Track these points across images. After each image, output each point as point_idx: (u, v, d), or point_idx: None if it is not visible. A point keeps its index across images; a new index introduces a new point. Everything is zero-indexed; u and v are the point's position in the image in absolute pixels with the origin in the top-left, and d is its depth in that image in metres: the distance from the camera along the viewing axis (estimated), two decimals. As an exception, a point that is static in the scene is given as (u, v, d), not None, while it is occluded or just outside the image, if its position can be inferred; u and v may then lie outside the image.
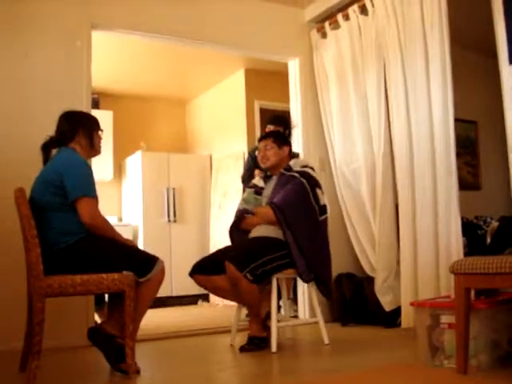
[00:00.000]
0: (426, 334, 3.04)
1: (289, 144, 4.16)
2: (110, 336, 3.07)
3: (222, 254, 3.82)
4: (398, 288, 4.46)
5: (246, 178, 5.29)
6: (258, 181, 4.28)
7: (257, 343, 3.70)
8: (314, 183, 3.89)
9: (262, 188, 4.16)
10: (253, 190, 4.19)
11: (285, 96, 5.67)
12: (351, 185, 5.04)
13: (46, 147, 3.29)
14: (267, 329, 3.74)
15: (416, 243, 4.31)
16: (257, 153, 4.19)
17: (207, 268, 3.80)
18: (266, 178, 4.21)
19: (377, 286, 4.62)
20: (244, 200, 4.19)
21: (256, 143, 5.32)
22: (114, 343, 3.03)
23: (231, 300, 4.09)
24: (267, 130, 5.24)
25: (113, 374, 3.09)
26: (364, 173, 4.90)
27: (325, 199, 3.94)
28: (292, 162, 4.03)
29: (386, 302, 4.54)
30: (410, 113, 4.43)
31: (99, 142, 3.37)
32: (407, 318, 4.22)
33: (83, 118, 3.37)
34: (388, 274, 4.63)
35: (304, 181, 3.85)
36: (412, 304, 3.24)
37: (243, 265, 3.51)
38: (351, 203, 5.01)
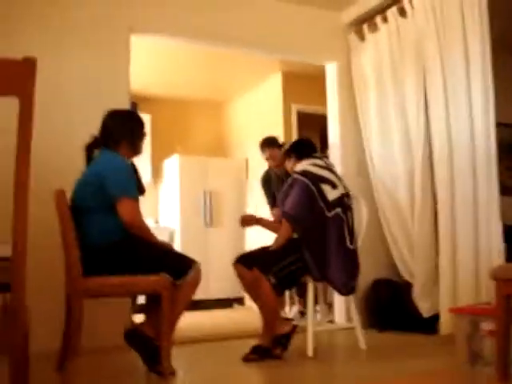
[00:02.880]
0: (465, 340, 2.99)
1: (291, 153, 4.16)
2: (147, 338, 3.09)
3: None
4: (436, 294, 4.39)
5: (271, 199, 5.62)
6: None
7: (261, 351, 3.58)
8: (317, 179, 3.82)
9: None
10: None
11: (322, 100, 5.64)
12: (389, 190, 4.98)
13: (90, 148, 3.33)
14: (280, 348, 3.64)
15: (456, 249, 4.24)
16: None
17: (249, 262, 3.79)
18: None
19: (415, 291, 4.56)
20: None
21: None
22: (151, 345, 3.05)
23: (254, 302, 3.93)
24: (264, 154, 5.52)
25: (148, 375, 3.11)
26: (402, 178, 4.84)
27: (336, 192, 3.84)
28: (298, 167, 4.01)
29: (425, 308, 4.47)
30: (450, 117, 4.36)
31: (143, 145, 3.40)
32: (446, 324, 4.15)
33: (131, 120, 3.38)
34: (426, 279, 4.56)
35: (305, 180, 3.80)
36: (451, 310, 3.20)
37: (267, 267, 3.56)
38: (389, 208, 4.95)
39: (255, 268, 3.59)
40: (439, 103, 4.41)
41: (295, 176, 3.88)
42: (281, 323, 3.74)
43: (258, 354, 3.54)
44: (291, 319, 3.98)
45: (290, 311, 5.67)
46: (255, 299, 3.80)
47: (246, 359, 3.51)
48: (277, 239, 3.80)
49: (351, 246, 3.80)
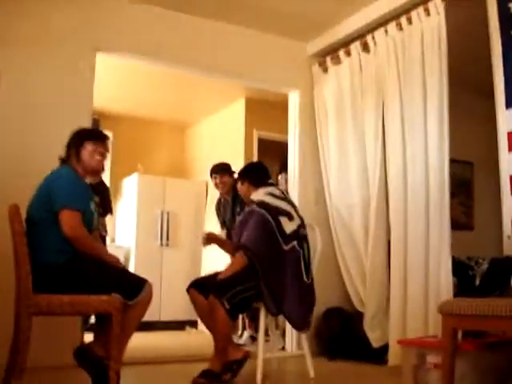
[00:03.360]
0: (411, 372, 3.04)
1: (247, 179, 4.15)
2: (96, 357, 3.06)
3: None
4: (386, 325, 4.44)
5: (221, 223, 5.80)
6: None
7: (210, 377, 3.51)
8: (276, 211, 3.84)
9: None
10: None
11: (283, 127, 5.71)
12: (345, 219, 5.05)
13: (61, 162, 3.33)
14: (230, 374, 3.64)
15: (406, 281, 4.31)
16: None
17: (205, 288, 3.76)
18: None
19: (366, 321, 4.61)
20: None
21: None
22: (100, 364, 3.01)
23: (208, 328, 3.86)
24: (214, 179, 5.64)
25: (96, 396, 3.06)
26: (358, 208, 4.92)
27: (292, 224, 3.87)
28: (253, 196, 4.01)
29: (375, 338, 4.53)
30: (406, 151, 4.46)
31: (88, 156, 3.30)
32: (394, 355, 4.20)
33: (73, 135, 3.36)
34: (377, 310, 4.62)
35: (264, 212, 3.81)
36: (399, 342, 3.25)
37: (221, 291, 3.54)
38: (344, 237, 5.02)
39: (211, 294, 3.55)
40: (396, 137, 4.52)
41: (253, 207, 3.88)
42: (233, 349, 3.73)
43: (207, 379, 3.49)
44: (243, 345, 3.96)
45: (242, 336, 5.67)
46: (208, 324, 3.76)
47: (195, 383, 3.47)
48: (230, 267, 3.78)
49: (307, 281, 3.83)
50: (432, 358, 2.95)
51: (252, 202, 3.95)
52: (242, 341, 5.44)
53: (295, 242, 3.82)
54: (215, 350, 3.65)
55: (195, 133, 8.63)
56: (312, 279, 3.91)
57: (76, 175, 3.21)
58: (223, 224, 5.75)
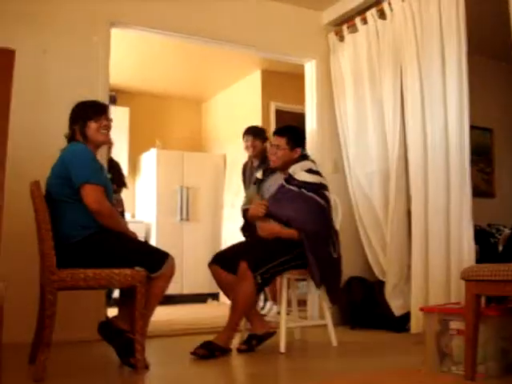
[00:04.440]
0: (434, 339, 3.03)
1: (301, 146, 4.08)
2: (121, 331, 3.10)
3: (243, 253, 3.73)
4: (408, 293, 4.45)
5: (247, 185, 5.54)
6: (259, 174, 4.28)
7: (211, 350, 3.45)
8: (317, 188, 3.87)
9: (261, 180, 4.19)
10: (255, 186, 4.21)
11: (301, 98, 5.68)
12: (364, 188, 5.04)
13: (68, 140, 3.33)
14: (247, 346, 3.69)
15: (427, 249, 4.30)
16: (268, 146, 4.17)
17: (226, 263, 3.79)
18: (267, 171, 4.20)
19: (387, 290, 4.62)
20: (247, 199, 4.23)
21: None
22: (124, 338, 3.06)
23: (230, 299, 3.85)
24: (246, 142, 5.45)
25: (122, 368, 3.11)
26: (377, 176, 4.90)
27: (331, 195, 4.00)
28: (291, 169, 3.94)
29: (396, 307, 4.54)
30: (425, 118, 4.42)
31: (94, 132, 3.28)
32: (416, 323, 4.22)
33: (74, 110, 3.34)
34: (399, 278, 4.63)
35: (318, 199, 3.83)
36: (422, 309, 3.24)
37: (257, 265, 3.53)
38: (364, 206, 5.00)
39: (243, 262, 3.54)
40: (415, 104, 4.47)
41: (303, 191, 3.84)
42: (258, 323, 3.79)
43: (207, 350, 3.43)
44: (270, 323, 3.97)
45: (268, 309, 5.63)
46: (230, 296, 3.77)
47: (194, 353, 3.42)
48: (286, 231, 3.79)
49: (335, 255, 3.87)
50: (455, 325, 2.94)
51: (292, 178, 3.90)
52: (264, 311, 5.45)
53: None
54: (228, 323, 3.62)
55: (212, 106, 8.61)
56: (339, 255, 3.95)
57: (90, 151, 3.21)
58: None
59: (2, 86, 1.46)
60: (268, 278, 3.59)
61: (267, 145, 4.18)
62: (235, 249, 4.01)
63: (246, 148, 5.51)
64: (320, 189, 3.88)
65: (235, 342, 3.79)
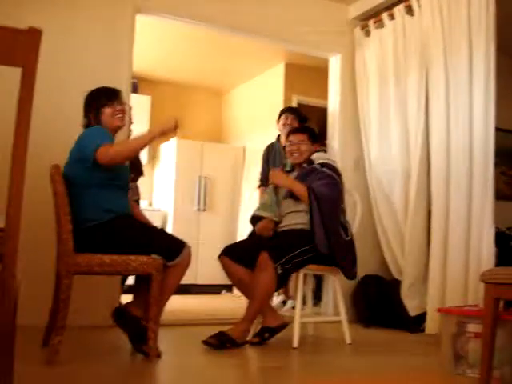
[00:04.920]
0: (450, 341, 2.99)
1: (319, 142, 4.17)
2: (134, 318, 3.10)
3: (255, 246, 3.71)
4: (424, 293, 4.41)
5: (263, 178, 5.46)
6: None
7: (223, 340, 3.44)
8: (338, 172, 3.92)
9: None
10: (272, 189, 4.16)
11: (323, 92, 5.64)
12: (384, 187, 4.99)
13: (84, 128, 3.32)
14: (259, 339, 3.66)
15: (447, 250, 4.26)
16: (286, 143, 4.12)
17: (237, 255, 3.77)
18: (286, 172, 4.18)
19: (403, 290, 4.58)
20: (262, 205, 4.19)
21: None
22: (138, 325, 3.06)
23: (245, 294, 3.85)
24: (284, 118, 5.29)
25: (134, 355, 3.12)
26: (398, 176, 4.85)
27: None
28: (314, 156, 4.02)
29: (412, 307, 4.50)
30: (449, 119, 4.36)
31: (108, 117, 3.26)
32: (432, 324, 4.18)
33: (88, 98, 3.34)
34: (415, 278, 4.58)
35: (331, 173, 3.86)
36: (439, 310, 3.21)
37: (278, 256, 3.51)
38: (383, 205, 4.96)
39: (264, 252, 3.50)
40: (440, 103, 4.41)
41: (317, 167, 3.90)
42: (272, 316, 3.75)
43: (219, 341, 3.42)
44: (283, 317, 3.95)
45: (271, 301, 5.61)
46: (245, 290, 3.76)
47: (205, 343, 3.42)
48: (295, 185, 3.84)
49: (346, 237, 3.84)
50: (472, 327, 2.91)
51: (311, 162, 3.97)
52: (284, 309, 5.43)
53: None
54: (246, 314, 3.59)
55: (233, 98, 8.59)
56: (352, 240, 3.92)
57: (104, 129, 3.19)
58: (264, 176, 5.49)
59: (27, 67, 1.44)
60: (289, 269, 3.56)
61: (286, 143, 4.14)
62: (247, 242, 4.01)
63: (284, 125, 5.30)
64: (337, 172, 3.91)
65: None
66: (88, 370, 2.72)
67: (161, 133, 3.15)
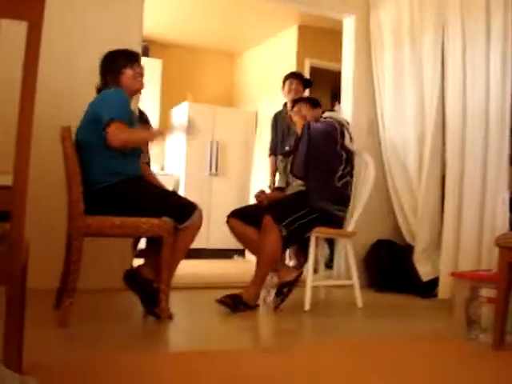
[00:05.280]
0: (463, 305, 2.97)
1: (320, 107, 4.17)
2: (146, 280, 3.10)
3: (262, 208, 3.81)
4: (437, 259, 4.38)
5: (274, 148, 5.39)
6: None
7: (236, 302, 3.46)
8: (340, 122, 3.93)
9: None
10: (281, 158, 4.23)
11: (337, 55, 5.54)
12: (398, 151, 4.92)
13: (98, 91, 3.27)
14: (280, 298, 3.66)
15: (460, 215, 4.21)
16: (290, 112, 4.15)
17: (245, 217, 3.81)
18: (284, 156, 4.24)
19: (416, 255, 4.55)
20: (279, 175, 4.26)
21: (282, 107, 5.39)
22: (149, 287, 3.06)
23: (253, 253, 3.93)
24: (289, 83, 5.23)
25: (146, 317, 3.13)
26: (413, 139, 4.78)
27: (352, 146, 3.96)
28: (325, 114, 4.06)
29: (424, 272, 4.47)
30: (466, 82, 4.27)
31: (129, 79, 3.23)
32: (444, 289, 4.16)
33: (106, 59, 3.26)
34: (428, 243, 4.55)
35: (331, 120, 3.91)
36: (452, 274, 3.18)
37: (281, 217, 3.53)
38: (397, 169, 4.90)
39: (267, 215, 3.54)
40: (456, 65, 4.32)
41: (327, 120, 3.96)
42: (286, 271, 3.76)
43: (231, 301, 3.45)
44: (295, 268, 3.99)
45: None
46: (254, 249, 3.78)
47: (219, 301, 3.45)
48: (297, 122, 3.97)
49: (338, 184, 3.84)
50: (486, 292, 2.88)
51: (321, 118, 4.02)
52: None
53: (349, 167, 3.91)
54: (254, 277, 3.61)
55: (245, 61, 8.49)
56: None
57: (124, 93, 3.14)
58: (274, 145, 5.49)
59: (33, 21, 1.40)
60: (294, 230, 3.57)
61: (290, 113, 4.17)
62: (254, 206, 4.05)
63: (289, 91, 5.22)
64: (341, 124, 3.92)
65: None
66: (100, 332, 2.73)
67: (168, 135, 3.29)
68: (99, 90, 3.25)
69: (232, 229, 3.85)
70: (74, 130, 3.10)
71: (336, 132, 3.84)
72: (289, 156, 4.12)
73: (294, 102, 4.23)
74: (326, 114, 4.07)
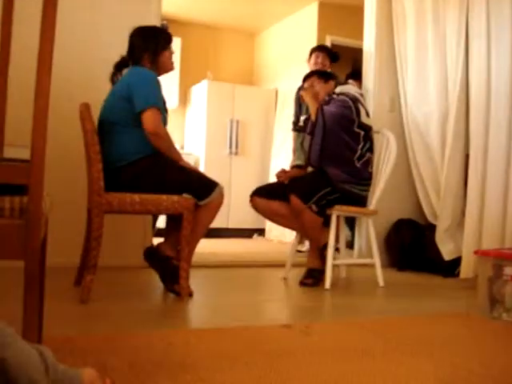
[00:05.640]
0: (486, 284, 2.93)
1: (334, 78, 4.10)
2: (166, 257, 3.09)
3: (283, 184, 3.85)
4: (459, 238, 4.33)
5: (296, 122, 5.37)
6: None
7: (316, 276, 3.70)
8: (354, 97, 3.86)
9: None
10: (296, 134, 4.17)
11: (358, 32, 5.45)
12: (421, 129, 4.85)
13: (119, 67, 3.24)
14: (324, 260, 3.71)
15: (484, 193, 4.14)
16: (301, 92, 4.08)
17: (267, 193, 3.84)
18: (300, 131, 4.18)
19: (438, 234, 4.50)
20: (296, 152, 4.20)
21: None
22: (170, 264, 3.05)
23: (289, 227, 4.13)
24: (315, 56, 5.15)
25: (166, 294, 3.13)
26: (435, 117, 4.70)
27: (368, 121, 3.88)
28: (338, 89, 3.99)
29: (446, 251, 4.42)
30: (490, 59, 4.17)
31: (167, 60, 3.24)
32: (467, 268, 4.10)
33: (150, 35, 3.22)
34: (451, 222, 4.49)
35: (344, 96, 3.83)
36: (476, 252, 3.13)
37: (307, 196, 3.55)
38: (419, 147, 4.83)
39: (293, 196, 3.57)
40: (481, 41, 4.22)
41: (333, 96, 3.88)
42: (317, 258, 3.82)
43: (313, 279, 3.68)
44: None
45: (304, 243, 5.56)
46: (285, 223, 3.97)
47: (302, 283, 3.67)
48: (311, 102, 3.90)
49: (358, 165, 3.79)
50: (510, 270, 2.83)
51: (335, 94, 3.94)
52: (304, 248, 5.39)
53: (369, 144, 3.84)
54: (310, 248, 3.83)
55: (265, 39, 8.41)
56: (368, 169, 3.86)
57: (158, 78, 3.12)
58: (297, 119, 5.42)
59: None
60: (324, 205, 3.62)
61: (301, 92, 4.11)
62: (276, 183, 4.04)
63: (315, 64, 5.13)
64: (355, 99, 3.84)
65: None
66: (120, 309, 2.73)
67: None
68: (122, 65, 3.22)
69: (256, 207, 3.88)
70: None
71: (351, 111, 3.77)
72: (304, 131, 4.08)
73: (306, 76, 4.15)
74: (338, 89, 3.99)
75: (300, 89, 5.43)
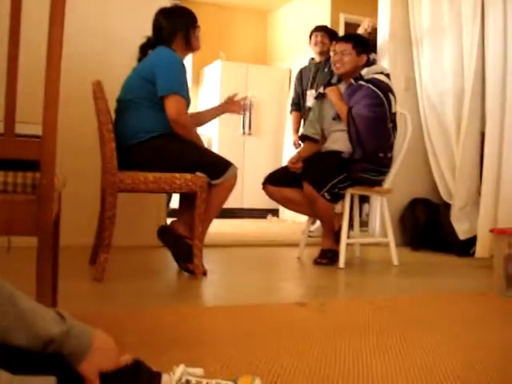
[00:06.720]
0: (502, 263, 2.89)
1: (368, 52, 3.96)
2: (180, 236, 3.09)
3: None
4: (475, 217, 4.29)
5: (297, 102, 5.39)
6: (321, 89, 4.14)
7: (330, 256, 3.68)
8: (385, 87, 3.73)
9: (324, 94, 4.02)
10: (317, 104, 4.07)
11: (372, 10, 5.38)
12: (436, 107, 4.80)
13: (144, 48, 3.22)
14: (338, 242, 3.69)
15: (500, 173, 4.10)
16: (331, 53, 3.99)
17: (280, 180, 3.81)
18: (318, 98, 4.07)
19: (453, 213, 4.47)
20: (308, 122, 4.11)
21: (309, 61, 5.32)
22: (183, 243, 3.04)
23: (303, 213, 4.09)
24: (315, 36, 5.21)
25: (180, 273, 3.13)
26: (451, 95, 4.64)
27: (396, 106, 3.81)
28: (364, 71, 3.84)
29: (462, 231, 4.39)
30: (507, 37, 4.11)
31: (196, 39, 3.23)
32: (482, 247, 4.08)
33: (179, 15, 3.21)
34: (466, 202, 4.45)
35: (375, 88, 3.68)
36: (492, 231, 3.09)
37: (320, 185, 3.51)
38: (434, 126, 4.78)
39: (306, 184, 3.54)
40: (497, 18, 4.16)
41: (362, 84, 3.74)
42: (332, 238, 3.81)
43: (327, 259, 3.68)
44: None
45: (314, 223, 5.53)
46: (301, 210, 3.95)
47: (317, 263, 3.67)
48: (335, 100, 3.81)
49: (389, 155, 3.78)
50: (526, 249, 2.81)
51: (361, 78, 3.78)
52: (313, 228, 5.35)
53: (395, 131, 3.81)
54: (324, 230, 3.81)
55: (278, 18, 8.33)
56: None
57: (183, 63, 3.10)
58: (297, 100, 5.45)
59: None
60: (337, 193, 3.60)
61: (331, 53, 4.01)
62: (285, 168, 3.95)
63: (315, 44, 5.22)
64: (386, 90, 3.72)
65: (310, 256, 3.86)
66: (134, 288, 2.74)
67: None
68: (148, 46, 3.20)
69: (270, 195, 3.88)
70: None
71: (383, 109, 3.67)
72: (322, 97, 4.02)
73: (340, 38, 4.03)
74: (364, 72, 3.82)
75: (302, 70, 5.44)
